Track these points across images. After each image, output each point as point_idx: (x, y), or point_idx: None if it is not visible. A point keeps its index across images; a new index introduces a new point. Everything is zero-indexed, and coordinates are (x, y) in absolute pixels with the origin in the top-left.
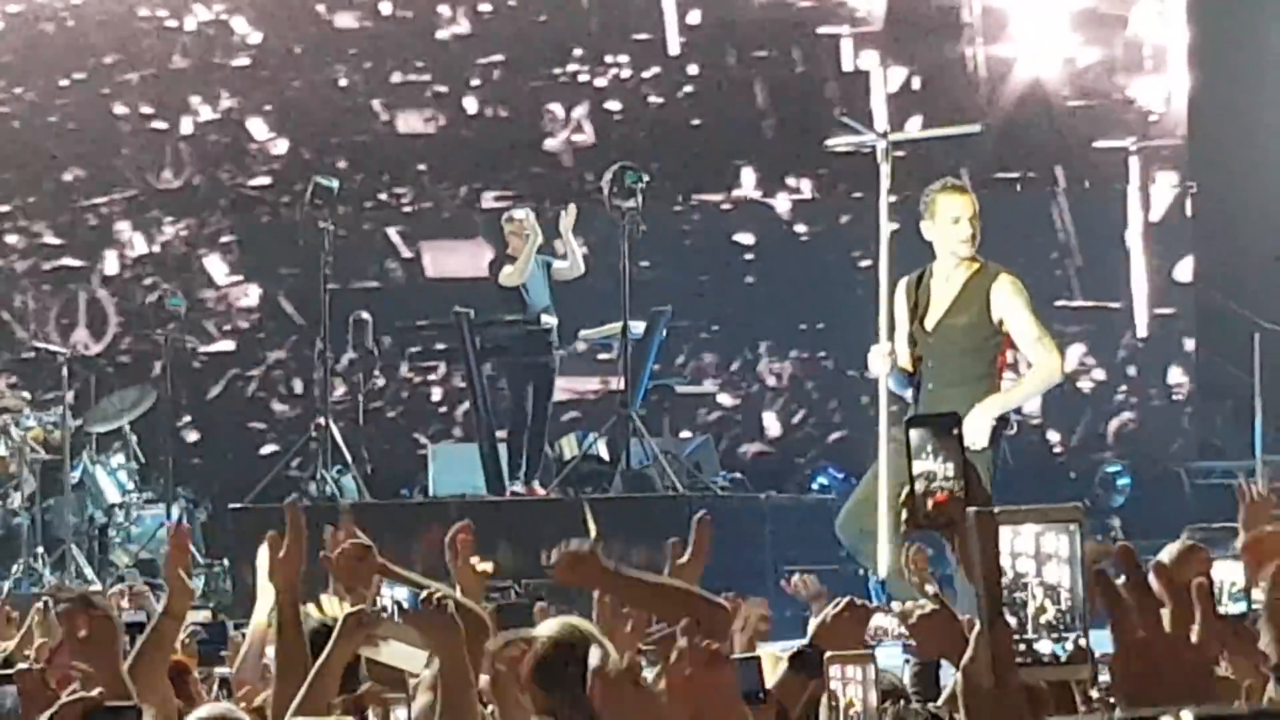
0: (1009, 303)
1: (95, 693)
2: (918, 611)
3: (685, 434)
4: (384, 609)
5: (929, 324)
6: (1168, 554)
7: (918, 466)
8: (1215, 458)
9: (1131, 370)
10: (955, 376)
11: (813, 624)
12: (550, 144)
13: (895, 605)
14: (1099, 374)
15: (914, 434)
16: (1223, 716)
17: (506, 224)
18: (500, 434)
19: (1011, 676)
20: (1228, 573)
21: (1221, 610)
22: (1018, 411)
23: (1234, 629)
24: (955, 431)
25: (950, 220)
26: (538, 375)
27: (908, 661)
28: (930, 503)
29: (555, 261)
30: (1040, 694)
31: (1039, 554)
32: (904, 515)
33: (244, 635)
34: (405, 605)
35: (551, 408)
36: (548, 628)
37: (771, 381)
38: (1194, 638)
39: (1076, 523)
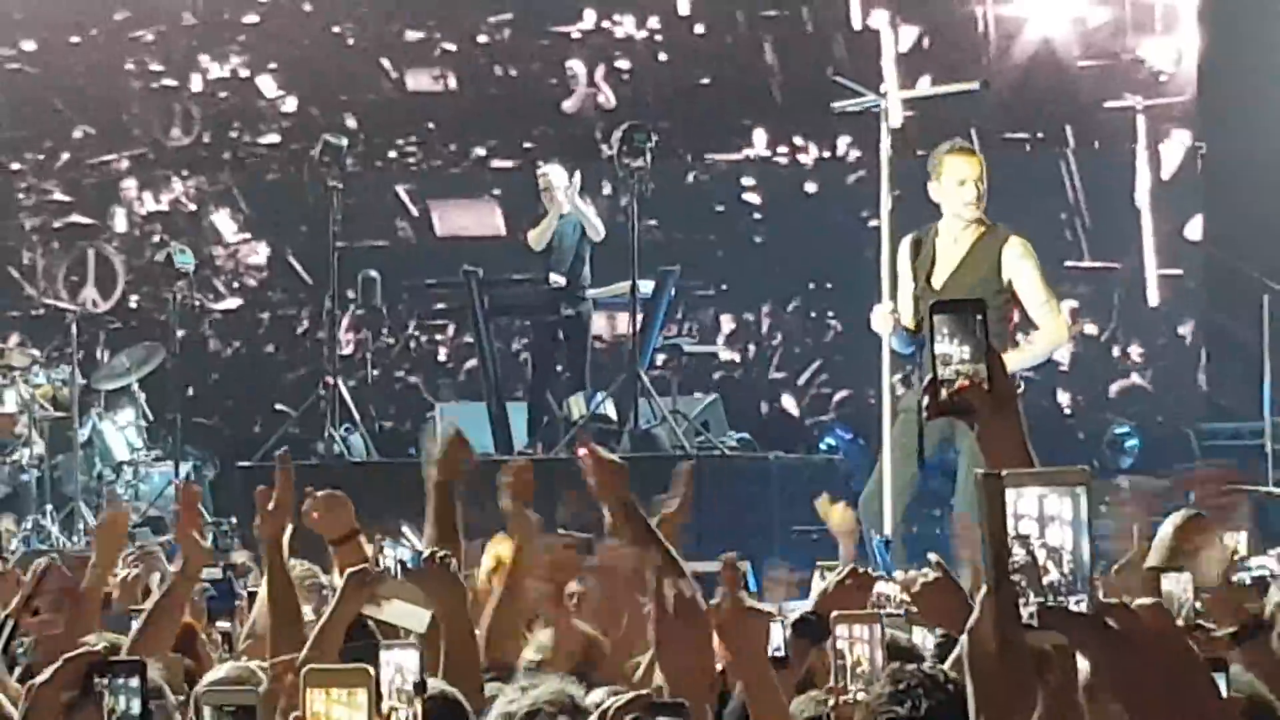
0: (1019, 264)
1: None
2: (920, 580)
3: (694, 394)
4: (387, 568)
5: (936, 283)
6: (1170, 522)
7: (938, 350)
8: (1224, 418)
9: (1140, 331)
10: None
11: (815, 587)
12: (559, 103)
13: (898, 574)
14: (1108, 334)
15: (936, 318)
16: None
17: (540, 179)
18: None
19: (1016, 639)
20: (1233, 541)
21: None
22: (1031, 371)
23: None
24: (979, 317)
25: (956, 182)
26: (555, 334)
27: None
28: (951, 389)
29: (581, 214)
30: (1046, 657)
31: (1042, 516)
32: (925, 401)
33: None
34: (408, 564)
35: (582, 363)
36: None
37: (780, 340)
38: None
39: (1084, 485)
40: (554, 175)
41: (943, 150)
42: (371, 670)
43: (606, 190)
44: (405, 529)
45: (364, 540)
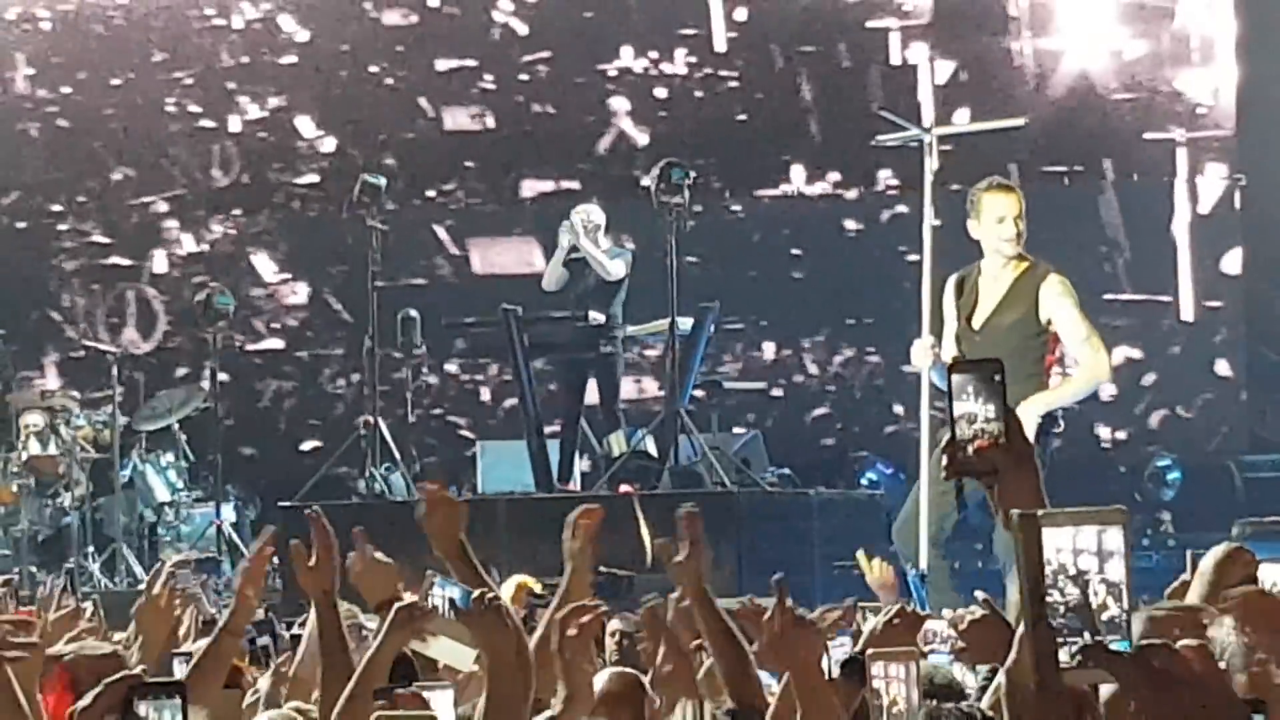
0: (1057, 302)
1: (139, 669)
2: (968, 618)
3: (734, 430)
4: (435, 606)
5: (976, 322)
6: (1212, 556)
7: (958, 410)
8: (1265, 450)
9: (1180, 363)
10: None
11: (865, 631)
12: (597, 140)
13: (946, 612)
14: (1147, 367)
15: (955, 378)
16: None
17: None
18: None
19: (1054, 679)
20: (1274, 574)
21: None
22: (1072, 409)
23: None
24: (997, 378)
25: (995, 219)
26: (587, 372)
27: (974, 670)
28: (970, 448)
29: (588, 254)
30: (1084, 697)
31: (1101, 550)
32: (944, 460)
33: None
34: (458, 603)
35: (614, 403)
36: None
37: (820, 377)
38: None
39: (1120, 526)
40: (597, 218)
41: (981, 187)
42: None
43: (641, 228)
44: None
45: (403, 593)
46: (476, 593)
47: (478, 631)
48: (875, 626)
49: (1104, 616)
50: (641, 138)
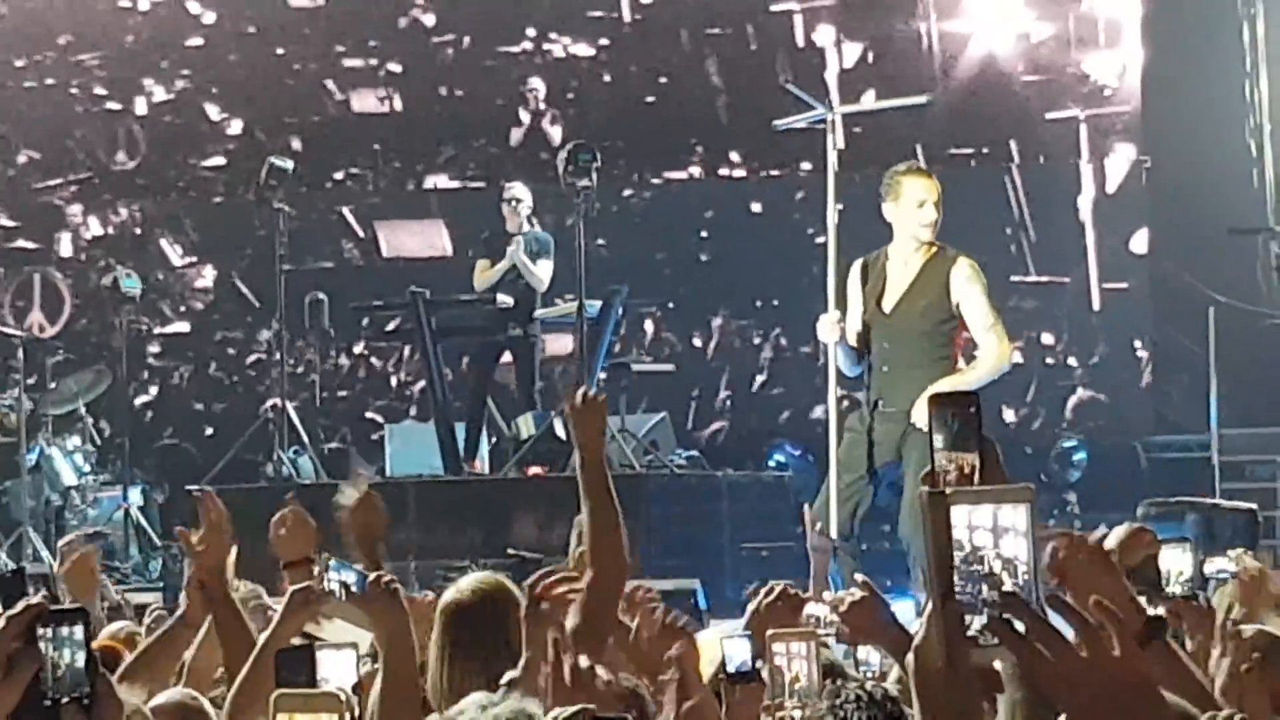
0: (966, 287)
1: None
2: (848, 599)
3: (642, 413)
4: (331, 590)
5: (886, 306)
6: (1114, 537)
7: (936, 441)
8: (1171, 432)
9: (1086, 344)
10: (912, 359)
11: (749, 610)
12: (504, 122)
13: (827, 595)
14: (1054, 348)
15: (934, 410)
16: None
17: (505, 204)
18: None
19: (962, 657)
20: (1175, 559)
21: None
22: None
23: (1184, 607)
24: (974, 409)
25: (915, 204)
26: (497, 354)
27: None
28: (947, 477)
29: (526, 270)
30: (992, 675)
31: (996, 527)
32: (923, 492)
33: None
34: (352, 586)
35: (531, 386)
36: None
37: (728, 359)
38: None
39: (1028, 502)
40: (521, 194)
41: (900, 170)
42: (343, 695)
43: (548, 211)
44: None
45: (313, 570)
46: (372, 575)
47: (372, 614)
48: (758, 606)
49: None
50: (549, 121)
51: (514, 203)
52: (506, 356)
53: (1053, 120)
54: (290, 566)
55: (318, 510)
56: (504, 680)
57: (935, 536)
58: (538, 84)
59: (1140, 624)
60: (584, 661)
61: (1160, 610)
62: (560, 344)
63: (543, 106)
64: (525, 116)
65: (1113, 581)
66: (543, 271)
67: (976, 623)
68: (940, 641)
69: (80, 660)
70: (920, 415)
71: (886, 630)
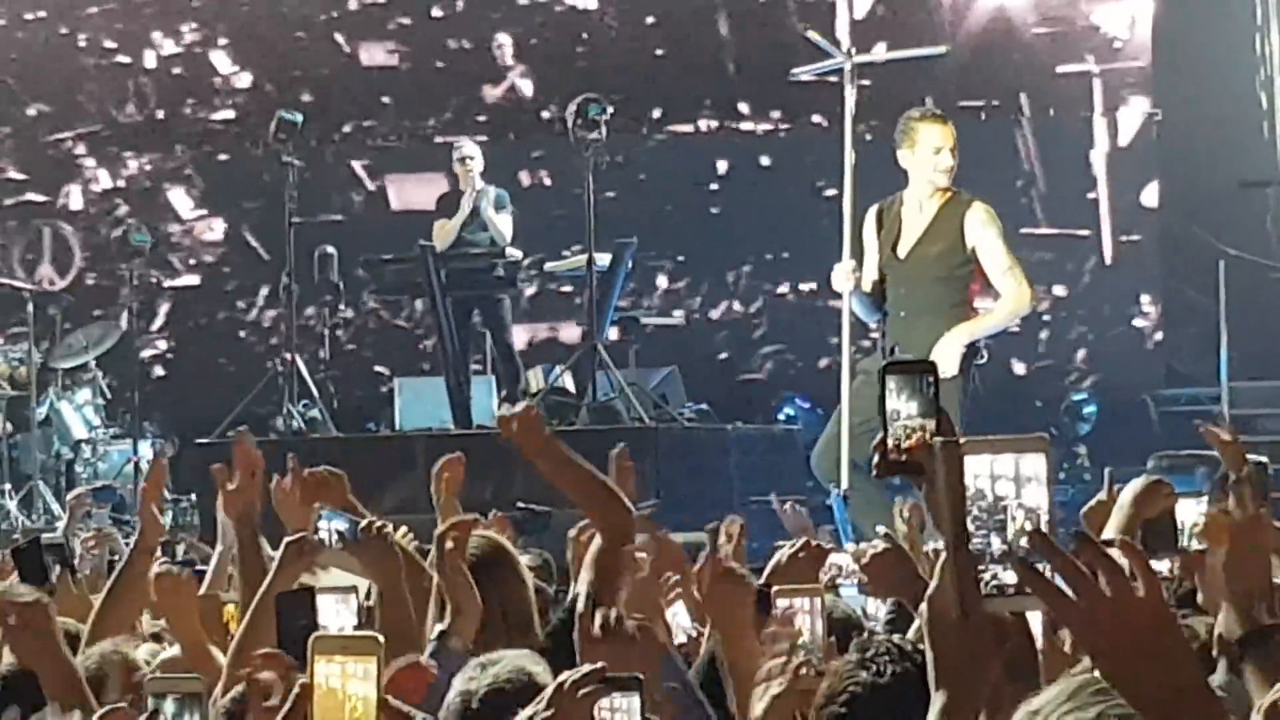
0: (982, 231)
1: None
2: (870, 551)
3: (651, 366)
4: (323, 539)
5: (901, 252)
6: (1131, 489)
7: (890, 408)
8: (1181, 385)
9: (1097, 297)
10: (927, 305)
11: (770, 565)
12: (513, 75)
13: (849, 546)
14: (1064, 301)
15: (890, 379)
16: None
17: (457, 162)
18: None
19: (976, 607)
20: (1190, 512)
21: (1184, 546)
22: (990, 339)
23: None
24: (930, 378)
25: (932, 150)
26: (489, 309)
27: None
28: (902, 447)
29: (489, 221)
30: (1005, 625)
31: (1019, 476)
32: (875, 459)
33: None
34: (344, 534)
35: (511, 340)
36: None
37: (739, 312)
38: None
39: (1043, 453)
40: (472, 151)
41: (915, 116)
42: (380, 638)
43: (557, 165)
44: (323, 512)
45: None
46: (364, 523)
47: (365, 560)
48: (779, 560)
49: (1022, 541)
50: (558, 73)
51: (466, 161)
52: (477, 315)
53: (1064, 74)
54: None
55: (328, 462)
56: (433, 634)
57: (949, 486)
58: (547, 36)
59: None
60: (613, 614)
61: (1174, 565)
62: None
63: (551, 59)
64: (534, 69)
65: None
66: (504, 225)
67: (992, 571)
68: (954, 591)
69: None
70: (938, 363)
71: (908, 582)
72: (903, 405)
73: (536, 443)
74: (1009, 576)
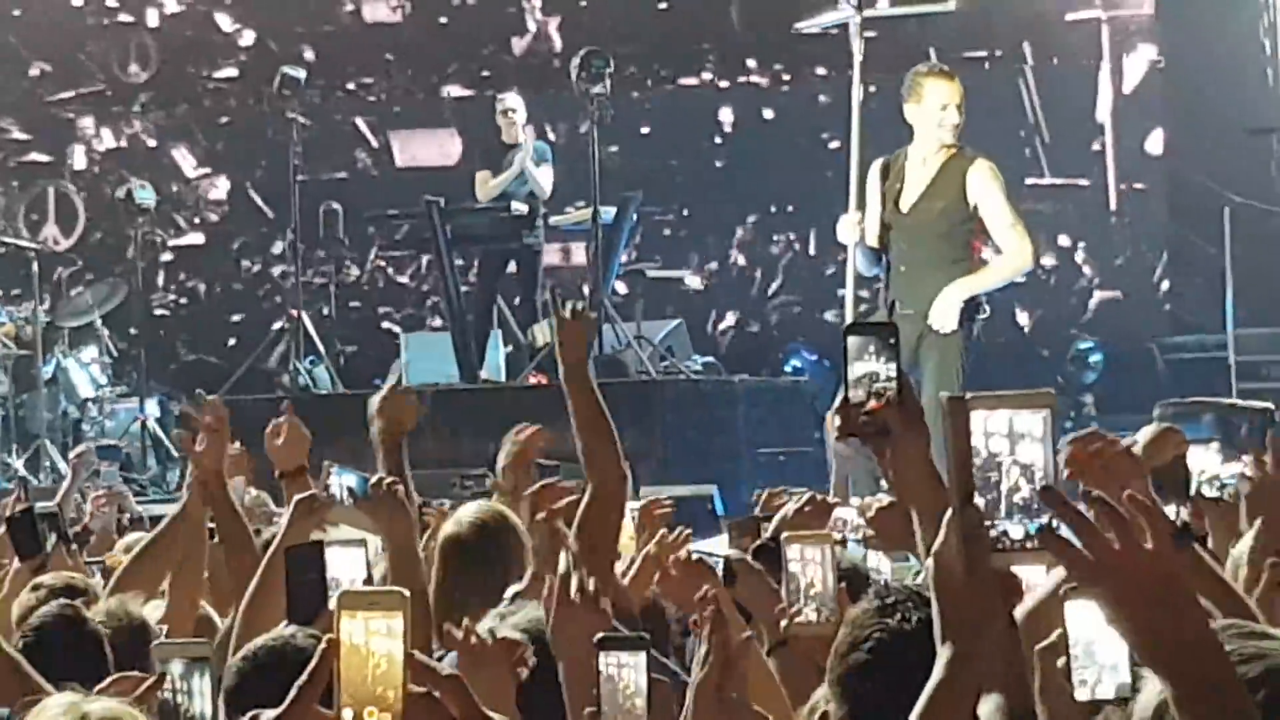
0: (985, 187)
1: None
2: (876, 505)
3: (658, 318)
4: (333, 495)
5: (904, 206)
6: (1144, 435)
7: (854, 371)
8: (1187, 332)
9: (1103, 246)
10: (930, 259)
11: (775, 518)
12: (516, 30)
13: (855, 500)
14: (1070, 251)
15: (852, 340)
16: None
17: (500, 115)
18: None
19: (983, 562)
20: (1202, 459)
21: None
22: (994, 294)
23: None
24: (892, 340)
25: (939, 105)
26: (525, 261)
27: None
28: (864, 410)
29: (531, 177)
30: (1011, 581)
31: (1012, 433)
32: (836, 422)
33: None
34: (355, 490)
35: (540, 294)
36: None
37: (744, 264)
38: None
39: (1049, 408)
40: (515, 104)
41: (922, 71)
42: (406, 593)
43: (562, 118)
44: (334, 468)
45: (310, 480)
46: (374, 479)
47: (376, 517)
48: (786, 513)
49: (1015, 499)
50: (562, 27)
51: (509, 113)
52: (512, 266)
53: (1069, 22)
54: (286, 476)
55: (336, 419)
56: (508, 593)
57: (955, 442)
58: None
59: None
60: (590, 584)
61: (1184, 512)
62: (567, 254)
63: (554, 13)
64: (536, 23)
65: (1138, 485)
66: (545, 178)
67: (999, 527)
68: (960, 546)
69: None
70: (937, 318)
71: (915, 536)
72: (866, 366)
73: (580, 349)
74: (1016, 531)
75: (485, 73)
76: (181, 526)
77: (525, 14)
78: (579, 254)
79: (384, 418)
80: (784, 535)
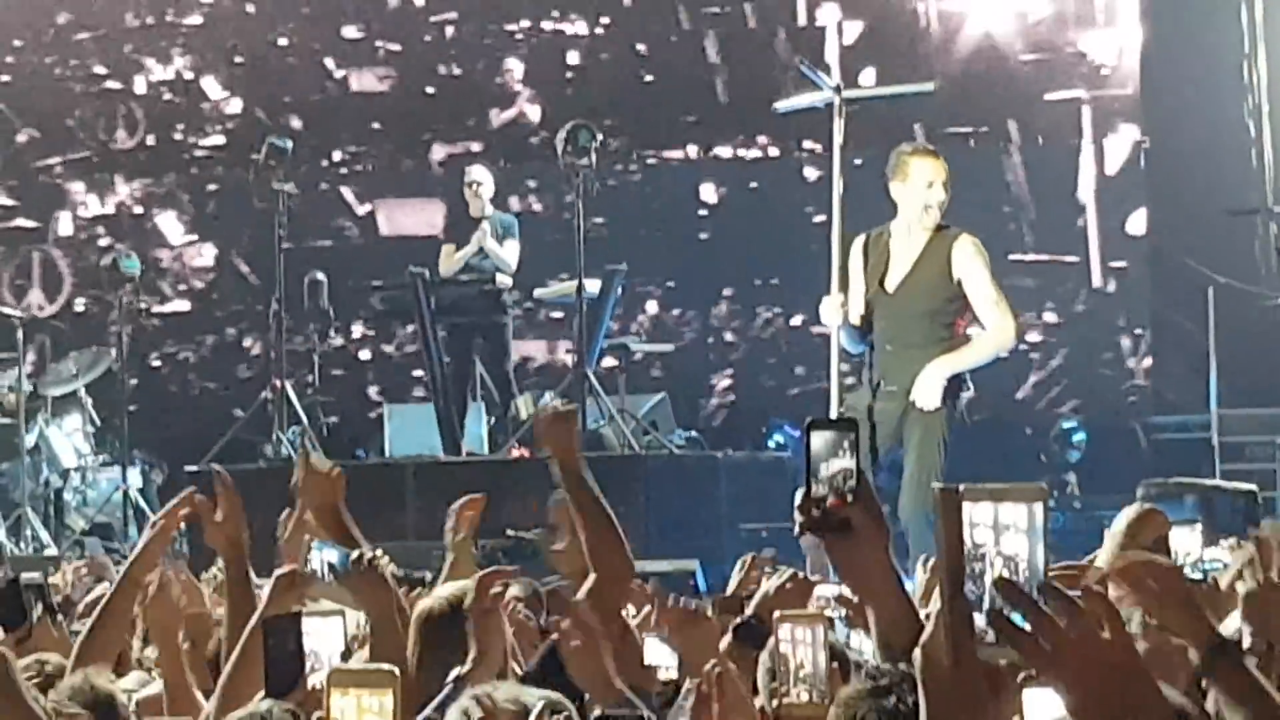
0: (969, 264)
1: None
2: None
3: (641, 393)
4: (314, 570)
5: (890, 285)
6: (1124, 517)
7: (816, 468)
8: (1171, 412)
9: (1086, 324)
10: (915, 338)
11: (757, 596)
12: (503, 102)
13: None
14: (1053, 328)
15: (814, 436)
16: None
17: (466, 187)
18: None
19: (970, 655)
20: (1184, 540)
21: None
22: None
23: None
24: (853, 437)
25: (924, 184)
26: (492, 335)
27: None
28: (824, 505)
29: (492, 253)
30: (999, 673)
31: (997, 524)
32: (798, 519)
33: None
34: (336, 566)
35: (510, 367)
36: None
37: (728, 338)
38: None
39: (1041, 501)
40: (481, 177)
41: (907, 150)
42: (396, 672)
43: (548, 191)
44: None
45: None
46: (355, 554)
47: (357, 592)
48: (768, 591)
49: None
50: (547, 99)
51: (475, 186)
52: (479, 340)
53: (1052, 101)
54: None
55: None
56: (450, 677)
57: (947, 535)
58: (535, 63)
59: (1208, 644)
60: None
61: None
62: (534, 347)
63: (540, 85)
64: (522, 95)
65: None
66: (509, 253)
67: (980, 620)
68: (947, 638)
69: None
70: (920, 396)
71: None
72: (826, 465)
73: (569, 445)
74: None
75: (472, 144)
76: (128, 589)
77: (510, 86)
78: (560, 347)
79: (311, 503)
80: (776, 615)
